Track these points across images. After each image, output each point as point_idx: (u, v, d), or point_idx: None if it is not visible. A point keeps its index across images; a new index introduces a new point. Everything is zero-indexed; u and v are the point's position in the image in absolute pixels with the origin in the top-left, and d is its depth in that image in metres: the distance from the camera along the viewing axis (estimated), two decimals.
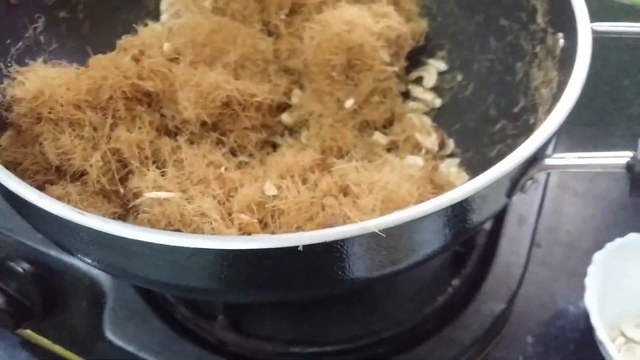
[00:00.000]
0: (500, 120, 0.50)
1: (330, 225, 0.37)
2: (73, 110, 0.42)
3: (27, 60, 0.50)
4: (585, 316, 0.53)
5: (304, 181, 0.41)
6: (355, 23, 0.50)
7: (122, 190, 0.41)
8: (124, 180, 0.42)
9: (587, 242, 0.63)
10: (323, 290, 0.40)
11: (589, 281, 0.53)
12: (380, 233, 0.30)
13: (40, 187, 0.41)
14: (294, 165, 0.41)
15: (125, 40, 0.52)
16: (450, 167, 0.51)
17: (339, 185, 0.40)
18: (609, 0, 0.79)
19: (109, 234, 0.31)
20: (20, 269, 0.53)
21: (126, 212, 0.41)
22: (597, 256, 0.54)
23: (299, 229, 0.39)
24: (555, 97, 0.43)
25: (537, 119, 0.45)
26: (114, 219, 0.40)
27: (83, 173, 0.42)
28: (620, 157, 0.36)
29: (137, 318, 0.49)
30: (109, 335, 0.49)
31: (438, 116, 0.56)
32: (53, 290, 0.54)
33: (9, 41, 0.50)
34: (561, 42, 0.45)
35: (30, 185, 0.36)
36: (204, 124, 0.47)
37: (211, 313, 0.49)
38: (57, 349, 0.57)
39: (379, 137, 0.51)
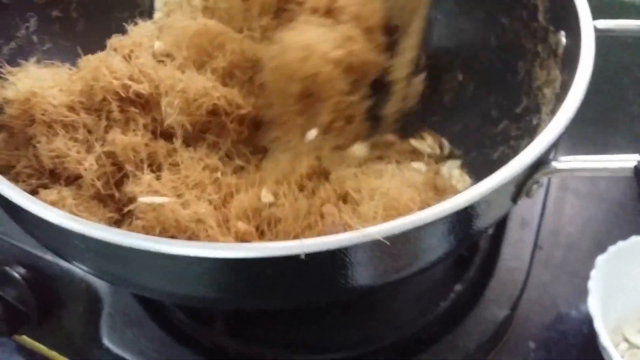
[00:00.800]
0: (503, 121, 0.50)
1: (331, 234, 0.37)
2: (66, 112, 0.42)
3: (19, 60, 0.49)
4: (587, 320, 0.52)
5: (301, 188, 0.40)
6: (313, 49, 0.45)
7: (117, 195, 0.41)
8: (119, 184, 0.41)
9: (589, 244, 0.62)
10: (324, 298, 0.39)
11: (592, 285, 0.52)
12: (384, 241, 0.29)
13: (34, 191, 0.41)
14: (290, 172, 0.40)
15: (115, 40, 0.51)
16: (452, 170, 0.50)
17: (337, 192, 0.39)
18: None
19: (104, 241, 0.30)
20: (15, 274, 0.52)
21: (122, 217, 0.40)
22: (600, 259, 0.54)
23: (296, 237, 0.38)
24: (559, 97, 0.42)
25: (540, 120, 0.45)
26: (110, 224, 0.40)
27: (77, 177, 0.41)
28: (627, 161, 0.35)
29: (134, 324, 0.49)
30: (106, 341, 0.48)
31: (439, 117, 0.56)
32: (49, 295, 0.53)
33: (1, 41, 0.49)
34: (563, 40, 0.45)
35: (24, 189, 0.36)
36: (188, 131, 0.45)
37: (209, 319, 0.49)
38: (53, 354, 0.56)
39: (358, 150, 0.49)
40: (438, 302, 0.49)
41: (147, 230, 0.37)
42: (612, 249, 0.54)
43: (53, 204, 0.38)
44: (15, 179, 0.41)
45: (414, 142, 0.51)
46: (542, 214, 0.56)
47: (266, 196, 0.39)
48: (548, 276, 0.59)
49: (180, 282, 0.33)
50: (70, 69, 0.48)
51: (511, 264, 0.52)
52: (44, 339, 0.57)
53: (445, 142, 0.53)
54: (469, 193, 0.31)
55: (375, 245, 0.31)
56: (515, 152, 0.44)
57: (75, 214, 0.37)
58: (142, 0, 0.61)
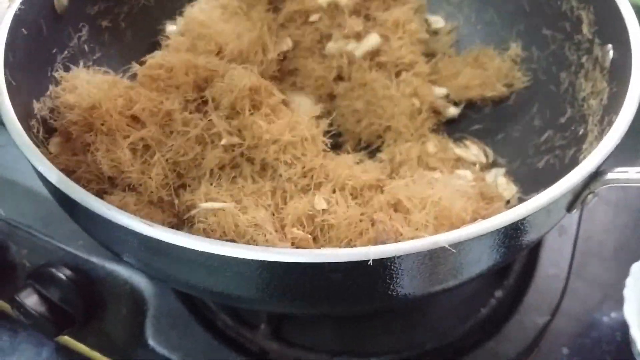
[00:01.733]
0: (547, 131, 0.50)
1: (382, 241, 0.38)
2: (131, 123, 0.42)
3: (72, 67, 0.51)
4: (620, 328, 0.52)
5: (354, 196, 0.41)
6: None
7: (176, 201, 0.41)
8: (177, 190, 0.42)
9: (621, 252, 0.62)
10: (378, 305, 0.40)
11: (627, 293, 0.53)
12: (450, 248, 0.30)
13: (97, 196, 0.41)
14: (349, 180, 0.41)
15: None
16: (497, 178, 0.51)
17: (389, 202, 0.40)
18: None
19: (177, 246, 0.31)
20: (61, 275, 0.53)
21: (182, 222, 0.41)
22: (635, 267, 0.54)
23: (349, 244, 0.39)
24: (607, 108, 0.43)
25: (587, 130, 0.45)
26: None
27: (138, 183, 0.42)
28: None
29: (179, 326, 0.49)
30: (152, 342, 0.49)
31: (481, 126, 0.56)
32: (94, 296, 0.54)
33: (55, 50, 0.50)
34: (611, 53, 0.45)
35: None
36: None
37: (253, 321, 0.50)
38: (95, 355, 0.57)
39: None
40: (479, 308, 0.50)
41: (208, 234, 0.38)
42: None
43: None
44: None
45: (458, 151, 0.51)
46: (579, 222, 0.56)
47: (320, 203, 0.40)
48: (581, 284, 0.59)
49: (249, 286, 0.33)
50: (125, 80, 0.49)
51: (550, 271, 0.52)
52: (85, 340, 0.57)
53: (490, 150, 0.53)
54: (530, 203, 0.32)
55: (436, 253, 0.31)
56: (561, 161, 0.46)
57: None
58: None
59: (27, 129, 0.40)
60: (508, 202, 0.49)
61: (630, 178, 0.36)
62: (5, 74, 0.41)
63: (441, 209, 0.39)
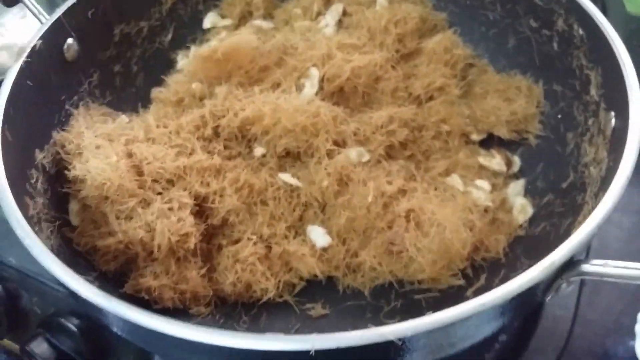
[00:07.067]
0: (547, 194, 0.48)
1: (392, 241, 0.45)
2: (137, 191, 0.45)
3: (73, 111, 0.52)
4: (635, 358, 0.51)
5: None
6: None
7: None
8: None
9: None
10: None
11: (638, 329, 0.52)
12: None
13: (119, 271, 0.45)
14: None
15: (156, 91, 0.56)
16: (516, 197, 0.50)
17: (409, 210, 0.45)
18: None
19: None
20: (70, 325, 0.54)
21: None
22: None
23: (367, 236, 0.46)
24: (604, 180, 0.41)
25: (584, 201, 0.43)
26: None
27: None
28: None
29: None
30: None
31: None
32: (102, 345, 0.55)
33: (63, 97, 0.51)
34: (613, 121, 0.43)
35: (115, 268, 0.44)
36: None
37: None
38: None
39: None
40: (483, 353, 0.49)
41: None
42: None
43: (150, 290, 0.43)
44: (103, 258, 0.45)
45: (482, 160, 0.51)
46: (587, 255, 0.55)
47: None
48: (594, 314, 0.58)
49: None
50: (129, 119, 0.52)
51: (557, 313, 0.51)
52: None
53: (517, 159, 0.53)
54: (500, 290, 0.32)
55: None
56: (557, 230, 0.44)
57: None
58: None
59: (23, 192, 0.42)
60: (521, 226, 0.48)
61: (604, 272, 0.34)
62: (3, 129, 0.42)
63: (443, 241, 0.42)
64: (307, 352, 0.29)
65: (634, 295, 0.58)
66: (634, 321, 0.52)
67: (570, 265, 0.34)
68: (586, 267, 0.34)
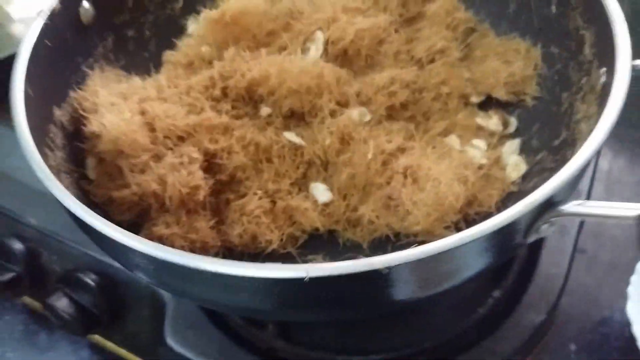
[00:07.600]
0: (542, 151, 0.50)
1: (390, 196, 0.47)
2: (150, 146, 0.47)
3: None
4: (630, 323, 0.53)
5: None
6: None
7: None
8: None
9: (633, 248, 0.62)
10: (373, 312, 0.43)
11: (631, 290, 0.53)
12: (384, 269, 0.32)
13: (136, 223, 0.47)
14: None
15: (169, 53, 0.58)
16: (510, 156, 0.51)
17: (407, 166, 0.47)
18: None
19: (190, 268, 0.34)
20: (88, 280, 0.57)
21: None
22: None
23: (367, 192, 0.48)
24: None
25: (572, 155, 0.45)
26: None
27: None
28: (631, 210, 0.35)
29: (195, 326, 0.52)
30: (170, 342, 0.52)
31: None
32: (118, 299, 0.58)
33: (79, 59, 0.54)
34: (603, 77, 0.44)
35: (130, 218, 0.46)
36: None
37: (263, 323, 0.52)
38: (122, 352, 0.62)
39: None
40: (476, 307, 0.51)
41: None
42: None
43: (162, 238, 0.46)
44: (119, 209, 0.48)
45: (479, 120, 0.53)
46: (581, 223, 0.57)
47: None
48: (591, 280, 0.59)
49: (242, 298, 0.36)
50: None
51: (550, 271, 0.53)
52: (112, 338, 0.62)
53: (513, 120, 0.54)
54: (481, 225, 0.34)
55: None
56: None
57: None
58: None
59: (43, 143, 0.44)
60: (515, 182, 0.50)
61: (581, 212, 0.36)
62: (25, 85, 0.45)
63: (437, 196, 0.44)
64: (302, 279, 0.31)
65: (633, 251, 0.59)
66: (627, 283, 0.54)
67: (549, 206, 0.36)
68: (565, 207, 0.36)
